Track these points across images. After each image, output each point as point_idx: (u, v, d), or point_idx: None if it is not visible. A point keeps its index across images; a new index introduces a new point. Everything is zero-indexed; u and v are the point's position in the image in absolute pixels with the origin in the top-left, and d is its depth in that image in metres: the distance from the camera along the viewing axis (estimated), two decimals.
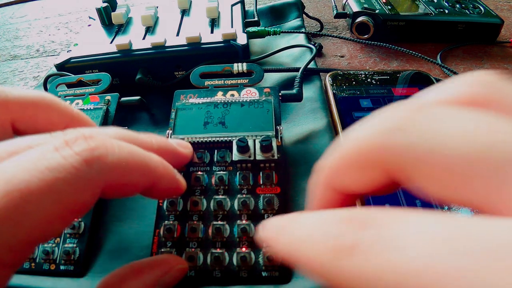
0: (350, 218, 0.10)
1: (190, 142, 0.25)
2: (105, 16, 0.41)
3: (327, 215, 0.10)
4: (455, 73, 0.37)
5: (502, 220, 0.08)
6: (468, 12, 0.43)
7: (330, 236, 0.09)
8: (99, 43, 0.37)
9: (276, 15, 0.48)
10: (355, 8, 0.43)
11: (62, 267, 0.22)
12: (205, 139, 0.25)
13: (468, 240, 0.07)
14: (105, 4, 0.41)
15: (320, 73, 0.37)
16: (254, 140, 0.24)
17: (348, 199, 0.13)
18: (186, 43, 0.34)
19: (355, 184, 0.12)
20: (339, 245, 0.09)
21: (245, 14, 0.42)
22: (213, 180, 0.23)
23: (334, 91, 0.33)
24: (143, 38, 0.37)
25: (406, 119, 0.10)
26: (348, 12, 0.45)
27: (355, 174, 0.12)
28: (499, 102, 0.11)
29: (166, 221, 0.22)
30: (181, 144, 0.23)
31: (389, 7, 0.43)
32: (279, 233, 0.12)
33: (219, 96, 0.27)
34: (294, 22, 0.46)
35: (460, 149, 0.09)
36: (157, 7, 0.43)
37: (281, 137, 0.25)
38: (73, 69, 0.35)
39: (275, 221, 0.13)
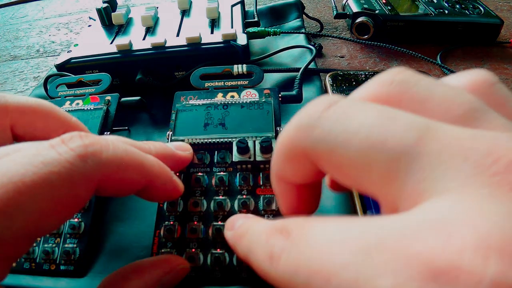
0: (280, 228, 0.12)
1: (190, 143, 0.25)
2: (105, 16, 0.41)
3: (267, 226, 0.12)
4: (455, 73, 0.37)
5: (373, 221, 0.09)
6: (468, 13, 0.43)
7: (267, 245, 0.12)
8: (99, 44, 0.37)
9: (276, 15, 0.48)
10: (355, 8, 0.43)
11: (62, 267, 0.22)
12: (205, 140, 0.25)
13: (349, 242, 0.09)
14: (105, 5, 0.41)
15: (320, 74, 0.37)
16: (254, 141, 0.24)
17: (301, 189, 0.15)
18: (186, 44, 0.34)
19: (293, 175, 0.14)
20: (271, 252, 0.11)
21: (245, 14, 0.42)
22: (213, 181, 0.23)
23: (334, 92, 0.33)
24: (143, 39, 0.37)
25: (317, 116, 0.12)
26: (348, 13, 0.45)
27: (288, 166, 0.14)
28: (408, 99, 0.12)
29: (167, 222, 0.22)
30: (181, 147, 0.23)
31: (389, 8, 0.43)
32: (236, 241, 0.15)
33: (219, 98, 0.28)
34: (294, 23, 0.46)
35: (357, 144, 0.10)
36: (157, 7, 0.43)
37: None
38: (73, 70, 0.35)
39: (235, 224, 0.15)
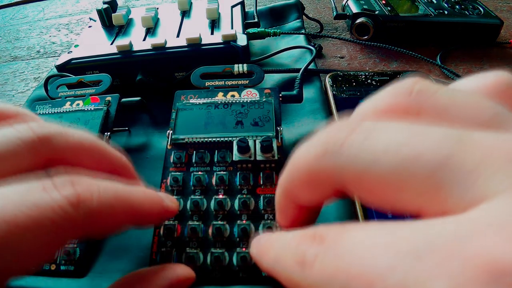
0: (313, 235, 0.11)
1: (190, 142, 0.25)
2: (105, 17, 0.41)
3: (296, 234, 0.12)
4: (455, 73, 0.37)
5: (422, 224, 0.09)
6: (468, 13, 0.43)
7: (297, 251, 0.11)
8: (100, 44, 0.37)
9: (276, 16, 0.48)
10: (355, 9, 0.43)
11: (62, 267, 0.22)
12: (206, 139, 0.25)
13: (395, 245, 0.09)
14: (106, 6, 0.41)
15: (320, 74, 0.37)
16: (255, 141, 0.24)
17: (309, 211, 0.15)
18: (186, 44, 0.35)
19: (308, 198, 0.14)
20: (303, 258, 0.11)
21: (245, 15, 0.42)
22: (213, 180, 0.23)
23: (334, 92, 0.33)
24: (144, 39, 0.37)
25: (341, 141, 0.11)
26: (347, 13, 0.45)
27: (305, 191, 0.13)
28: (429, 108, 0.12)
29: (166, 221, 0.22)
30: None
31: (389, 8, 0.43)
32: (261, 254, 0.14)
33: (220, 97, 0.28)
34: (294, 23, 0.46)
35: (389, 161, 0.10)
36: (157, 8, 0.43)
37: (281, 138, 0.25)
38: (73, 70, 0.35)
39: (260, 241, 0.15)
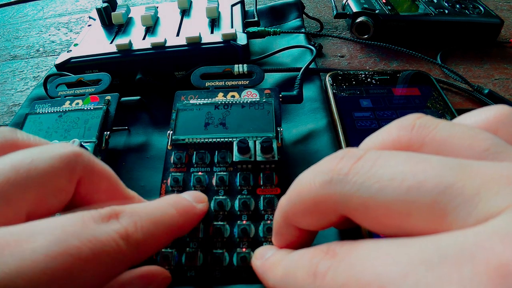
0: (326, 250, 0.12)
1: (190, 143, 0.25)
2: (105, 16, 0.41)
3: (308, 250, 0.13)
4: (455, 73, 0.37)
5: (431, 237, 0.09)
6: (468, 13, 0.43)
7: (310, 265, 0.12)
8: (99, 43, 0.37)
9: (276, 15, 0.48)
10: (355, 8, 0.43)
11: None
12: (206, 140, 0.25)
13: (407, 256, 0.09)
14: (105, 4, 0.41)
15: (320, 73, 0.37)
16: (255, 141, 0.24)
17: (307, 234, 0.15)
18: (186, 43, 0.34)
19: (311, 224, 0.14)
20: (315, 270, 0.11)
21: (245, 14, 0.42)
22: (213, 181, 0.23)
23: (334, 91, 0.33)
24: (143, 38, 0.37)
25: (345, 171, 0.12)
26: (348, 12, 0.45)
27: (308, 218, 0.14)
28: (430, 140, 0.12)
29: None
30: (197, 197, 0.21)
31: (389, 8, 0.43)
32: (267, 270, 0.15)
33: (220, 97, 0.27)
34: (294, 22, 0.46)
35: (394, 190, 0.10)
36: (157, 7, 0.43)
37: (281, 139, 0.25)
38: (73, 69, 0.35)
39: (264, 256, 0.16)
